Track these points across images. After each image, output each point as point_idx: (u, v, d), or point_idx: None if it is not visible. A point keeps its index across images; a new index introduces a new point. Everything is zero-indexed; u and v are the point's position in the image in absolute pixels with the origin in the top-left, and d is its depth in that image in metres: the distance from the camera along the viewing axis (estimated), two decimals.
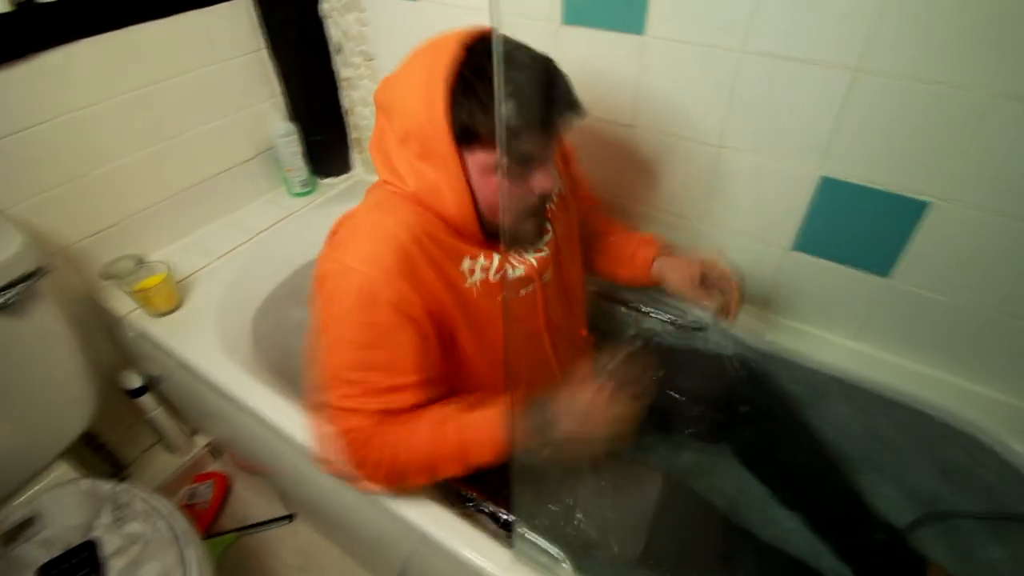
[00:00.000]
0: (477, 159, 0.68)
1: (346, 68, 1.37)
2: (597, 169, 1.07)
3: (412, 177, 0.72)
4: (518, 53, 0.67)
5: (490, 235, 0.77)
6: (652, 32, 0.90)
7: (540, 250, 0.82)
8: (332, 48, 1.35)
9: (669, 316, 1.16)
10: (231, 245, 1.30)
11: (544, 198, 0.74)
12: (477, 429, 0.71)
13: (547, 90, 0.67)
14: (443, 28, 1.12)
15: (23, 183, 1.03)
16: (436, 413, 0.73)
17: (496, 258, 0.78)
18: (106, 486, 0.96)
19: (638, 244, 0.99)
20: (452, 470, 0.72)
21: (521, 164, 0.69)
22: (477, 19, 1.07)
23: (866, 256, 0.93)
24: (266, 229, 1.35)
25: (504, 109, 0.59)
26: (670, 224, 1.10)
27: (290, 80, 1.35)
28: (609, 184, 1.12)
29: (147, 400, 1.28)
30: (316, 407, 0.75)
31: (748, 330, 1.08)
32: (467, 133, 0.66)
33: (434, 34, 1.21)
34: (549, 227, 0.84)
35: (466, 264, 0.76)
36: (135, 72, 1.12)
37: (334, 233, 0.78)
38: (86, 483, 0.97)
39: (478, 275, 0.77)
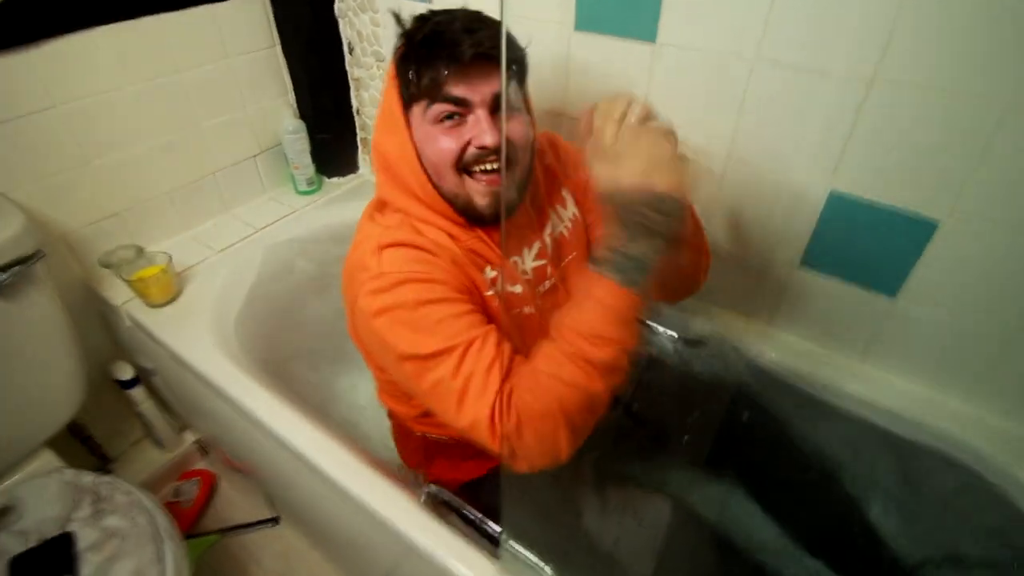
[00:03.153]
0: (415, 114, 0.71)
1: (358, 68, 1.37)
2: None
3: (384, 155, 0.75)
4: (455, 11, 0.71)
5: (465, 213, 0.74)
6: (663, 39, 0.89)
7: (539, 258, 0.80)
8: (345, 48, 1.35)
9: (669, 331, 1.13)
10: (233, 240, 1.29)
11: (482, 152, 0.70)
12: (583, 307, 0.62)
13: (466, 34, 0.67)
14: None
15: (27, 167, 1.02)
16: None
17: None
18: (88, 477, 0.94)
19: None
20: (597, 376, 0.61)
21: (454, 108, 0.69)
22: None
23: (873, 275, 0.90)
24: (269, 225, 1.34)
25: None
26: None
27: (301, 78, 1.35)
28: None
29: (138, 393, 1.26)
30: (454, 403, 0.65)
31: (751, 348, 1.06)
32: (408, 93, 0.70)
33: None
34: (548, 238, 0.82)
35: (488, 273, 0.75)
36: (146, 63, 1.12)
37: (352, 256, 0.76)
38: (69, 473, 0.95)
39: (498, 286, 0.76)
